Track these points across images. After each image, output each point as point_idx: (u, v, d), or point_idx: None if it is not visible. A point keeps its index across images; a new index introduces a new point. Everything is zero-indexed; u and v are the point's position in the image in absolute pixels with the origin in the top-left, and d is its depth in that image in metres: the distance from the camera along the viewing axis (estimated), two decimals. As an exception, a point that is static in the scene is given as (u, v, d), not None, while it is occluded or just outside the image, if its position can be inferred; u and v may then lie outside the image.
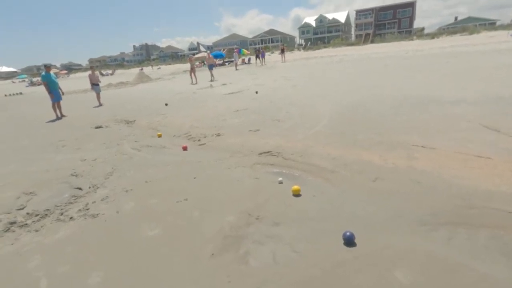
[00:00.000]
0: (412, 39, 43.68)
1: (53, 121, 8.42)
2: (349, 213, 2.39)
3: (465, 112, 4.85)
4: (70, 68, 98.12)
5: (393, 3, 65.62)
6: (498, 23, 52.83)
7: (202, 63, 40.56)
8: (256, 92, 6.02)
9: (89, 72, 11.53)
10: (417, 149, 3.53)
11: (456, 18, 64.67)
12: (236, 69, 24.25)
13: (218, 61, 37.12)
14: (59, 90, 8.78)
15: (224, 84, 13.59)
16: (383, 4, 66.08)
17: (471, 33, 38.72)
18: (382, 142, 3.90)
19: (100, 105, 10.90)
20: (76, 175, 3.85)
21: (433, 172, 2.91)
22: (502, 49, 15.94)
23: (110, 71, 50.75)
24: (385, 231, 2.11)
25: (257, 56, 27.44)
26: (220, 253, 2.05)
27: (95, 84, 11.14)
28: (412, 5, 63.54)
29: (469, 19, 59.46)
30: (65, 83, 32.58)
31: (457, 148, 3.42)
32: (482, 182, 2.61)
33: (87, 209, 2.86)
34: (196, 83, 14.95)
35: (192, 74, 15.93)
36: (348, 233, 1.99)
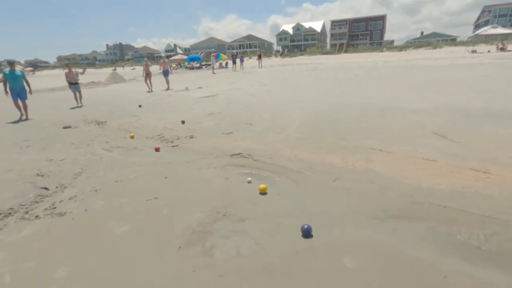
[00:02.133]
0: (382, 51, 46.21)
1: (15, 121, 7.89)
2: (310, 209, 2.60)
3: (421, 120, 5.33)
4: (36, 65, 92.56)
5: (366, 16, 69.15)
6: (458, 39, 57.42)
7: (179, 65, 40.14)
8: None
9: (65, 70, 10.59)
10: (375, 153, 3.86)
11: (422, 33, 69.29)
12: (213, 73, 24.28)
13: (195, 64, 36.96)
14: (25, 88, 8.09)
15: (200, 88, 13.62)
16: (357, 16, 69.35)
17: (435, 47, 41.74)
18: (345, 146, 4.20)
19: (81, 105, 10.12)
20: (42, 175, 3.76)
21: (387, 173, 3.21)
22: (459, 64, 17.40)
23: (80, 70, 48.43)
24: (340, 225, 2.34)
25: (233, 61, 27.63)
26: (187, 247, 2.17)
27: (73, 83, 10.19)
28: (382, 19, 67.35)
29: (434, 35, 63.98)
30: (31, 81, 30.61)
31: (410, 152, 3.78)
32: (426, 182, 2.95)
33: (54, 208, 2.84)
34: (151, 91, 13.51)
35: (148, 80, 14.19)
36: (305, 226, 2.19)
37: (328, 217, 2.45)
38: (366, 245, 2.06)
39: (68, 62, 12.26)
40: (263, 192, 2.92)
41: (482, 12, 64.10)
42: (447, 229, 2.21)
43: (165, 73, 15.07)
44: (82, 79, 25.26)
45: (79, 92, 10.33)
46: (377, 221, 2.36)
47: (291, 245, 2.11)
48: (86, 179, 3.57)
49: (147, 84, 14.12)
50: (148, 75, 14.09)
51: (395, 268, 1.83)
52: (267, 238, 2.21)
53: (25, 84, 8.12)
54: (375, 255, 1.96)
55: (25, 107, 8.17)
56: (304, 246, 2.09)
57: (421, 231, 2.21)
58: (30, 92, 8.30)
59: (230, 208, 2.69)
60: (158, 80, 17.40)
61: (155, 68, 25.98)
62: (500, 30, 30.71)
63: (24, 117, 8.15)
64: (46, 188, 3.34)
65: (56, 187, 3.35)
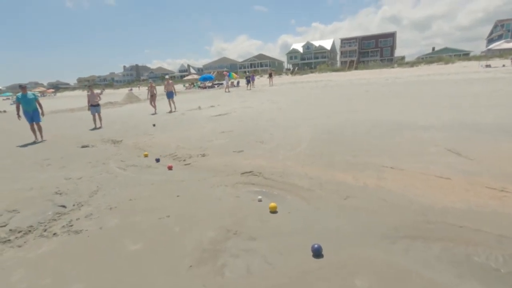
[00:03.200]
0: (393, 67, 46.16)
1: (32, 143, 7.93)
2: (320, 228, 2.58)
3: (433, 136, 5.26)
4: (58, 87, 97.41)
5: (375, 33, 69.83)
6: (471, 54, 56.76)
7: (192, 85, 41.34)
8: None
9: (88, 92, 10.61)
10: (387, 170, 3.82)
11: (433, 49, 68.97)
12: (226, 91, 24.90)
13: (207, 83, 37.99)
14: (38, 111, 8.20)
15: (212, 106, 13.93)
16: (365, 33, 70.24)
17: (447, 62, 41.39)
18: (356, 164, 4.18)
19: (99, 127, 10.15)
20: (60, 193, 3.91)
21: (398, 191, 3.17)
22: (472, 79, 17.16)
23: (99, 91, 50.50)
24: (351, 244, 2.31)
25: (247, 81, 28.26)
26: (198, 265, 2.19)
27: (94, 106, 10.32)
28: (392, 36, 67.74)
29: (446, 50, 63.61)
30: (52, 102, 32.24)
31: (422, 170, 3.73)
32: (440, 200, 2.89)
33: (71, 226, 2.93)
34: (155, 113, 13.15)
35: (153, 102, 13.85)
36: (316, 246, 2.18)
37: (339, 236, 2.43)
38: (378, 266, 2.03)
39: (90, 84, 12.21)
40: (273, 211, 2.93)
41: (495, 26, 63.58)
42: (464, 250, 2.15)
43: (169, 95, 14.03)
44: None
45: (99, 114, 10.45)
46: (389, 241, 2.32)
47: (301, 265, 2.10)
48: (101, 197, 3.68)
49: (152, 106, 13.89)
50: (153, 97, 13.83)
51: (409, 290, 1.79)
52: (277, 257, 2.21)
53: (38, 106, 8.26)
54: (388, 276, 1.92)
55: (40, 128, 8.36)
56: (314, 266, 2.07)
57: (436, 252, 2.15)
58: (43, 114, 8.40)
59: (240, 227, 2.71)
60: (164, 102, 16.38)
61: (161, 89, 26.63)
62: (514, 44, 30.29)
63: (39, 139, 8.32)
64: (63, 206, 3.46)
65: (73, 205, 3.47)
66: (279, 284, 1.91)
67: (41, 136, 8.41)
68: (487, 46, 47.18)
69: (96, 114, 10.38)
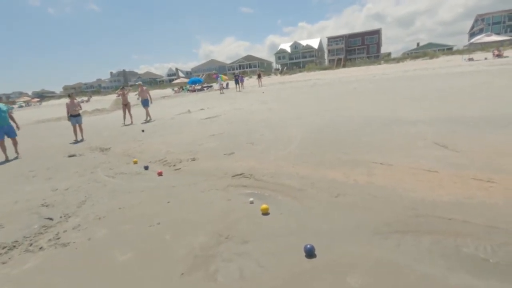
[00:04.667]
0: (380, 63, 46.82)
1: (4, 162, 6.94)
2: (312, 227, 2.58)
3: (421, 131, 5.34)
4: (43, 96, 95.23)
5: (361, 31, 70.83)
6: (454, 48, 58.16)
7: (181, 89, 41.02)
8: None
9: (67, 100, 9.37)
10: (377, 166, 3.85)
11: (418, 44, 70.40)
12: (221, 93, 25.05)
13: (196, 86, 37.76)
14: (11, 124, 7.26)
15: (202, 109, 13.85)
16: (352, 31, 71.21)
17: (431, 57, 42.20)
18: (346, 161, 4.20)
19: (81, 139, 9.05)
20: (47, 205, 3.80)
21: (389, 186, 3.20)
22: (456, 72, 17.55)
23: (85, 98, 49.68)
24: (343, 242, 2.31)
25: (236, 82, 28.26)
26: (190, 272, 2.15)
27: (73, 116, 9.06)
28: (378, 33, 68.84)
29: (430, 45, 65.02)
30: (38, 111, 31.51)
31: (411, 164, 3.77)
32: (429, 194, 2.92)
33: (58, 238, 2.85)
34: (131, 123, 11.57)
35: (127, 111, 11.91)
36: (308, 246, 2.17)
37: (331, 235, 2.43)
38: (371, 262, 2.03)
39: (72, 92, 10.47)
40: (265, 212, 2.91)
41: (476, 20, 65.36)
42: (453, 242, 2.17)
43: (145, 103, 12.26)
44: (88, 107, 25.90)
45: (80, 125, 9.24)
46: (381, 237, 2.33)
47: (294, 266, 2.08)
48: (89, 207, 3.59)
49: (124, 116, 11.92)
50: (126, 105, 11.92)
51: (402, 285, 1.80)
52: (270, 259, 2.19)
53: (10, 120, 7.29)
54: (381, 272, 1.93)
55: (15, 143, 7.44)
56: (307, 266, 2.06)
57: (427, 245, 2.17)
58: (18, 127, 7.48)
59: (232, 230, 2.68)
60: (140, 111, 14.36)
61: (160, 92, 26.37)
62: (495, 38, 31.17)
63: (16, 154, 7.40)
64: (50, 219, 3.36)
65: (60, 217, 3.38)
66: (273, 286, 1.90)
67: (16, 151, 7.46)
68: (469, 40, 48.36)
69: (77, 126, 9.19)
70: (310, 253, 2.16)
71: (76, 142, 8.84)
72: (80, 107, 9.50)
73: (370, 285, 1.82)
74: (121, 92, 12.08)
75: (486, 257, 1.97)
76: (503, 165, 3.40)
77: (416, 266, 1.95)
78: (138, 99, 13.17)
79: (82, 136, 9.31)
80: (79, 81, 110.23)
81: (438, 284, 1.79)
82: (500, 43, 33.75)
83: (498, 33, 43.57)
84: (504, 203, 2.60)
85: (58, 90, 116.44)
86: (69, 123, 9.35)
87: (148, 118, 12.03)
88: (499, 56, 28.04)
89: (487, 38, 30.89)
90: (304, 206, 3.01)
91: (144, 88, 12.55)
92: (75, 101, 9.39)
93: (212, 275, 2.10)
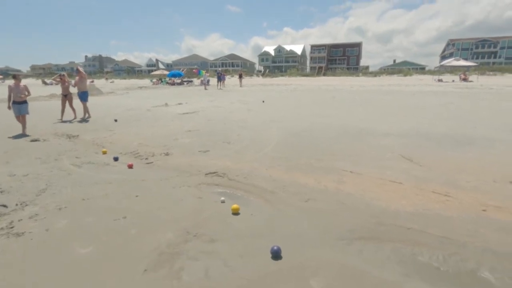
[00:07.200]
0: (358, 75, 48.69)
1: None
2: (281, 230, 2.62)
3: (390, 143, 5.61)
4: (7, 73, 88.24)
5: (343, 42, 73.20)
6: (427, 68, 61.98)
7: (160, 81, 39.89)
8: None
9: (12, 82, 7.26)
10: (347, 174, 3.99)
11: (394, 61, 74.12)
12: (205, 89, 24.76)
13: (176, 80, 36.93)
14: None
15: (179, 104, 13.58)
16: (334, 41, 73.38)
17: (405, 75, 44.67)
18: (319, 167, 4.31)
19: (23, 134, 6.98)
20: (1, 191, 3.53)
21: (356, 194, 3.33)
22: (427, 91, 18.67)
23: (37, 82, 46.25)
24: (310, 246, 2.37)
25: (218, 79, 27.95)
26: (154, 269, 2.10)
27: (16, 102, 7.06)
28: (358, 46, 71.52)
29: (405, 63, 68.73)
30: (0, 90, 29.10)
31: (378, 174, 3.95)
32: (392, 203, 3.08)
33: (11, 228, 2.66)
34: (75, 118, 9.39)
35: (68, 104, 9.34)
36: (275, 248, 2.20)
37: (299, 238, 2.48)
38: (334, 267, 2.10)
39: (18, 73, 8.44)
40: (235, 212, 2.91)
41: (447, 44, 70.03)
42: (410, 250, 2.30)
43: (83, 96, 9.54)
44: (56, 90, 24.31)
45: (24, 117, 7.23)
46: (345, 242, 2.42)
47: (261, 267, 2.10)
48: (50, 196, 3.39)
49: (63, 110, 9.30)
50: (67, 96, 9.31)
51: (360, 290, 1.87)
52: (236, 260, 2.19)
53: None
54: (343, 276, 2.00)
55: None
56: (273, 268, 2.09)
57: (387, 252, 2.28)
58: None
59: (201, 228, 2.65)
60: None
61: (138, 82, 25.43)
62: (462, 63, 33.57)
63: None
64: (4, 206, 3.13)
65: (16, 205, 3.15)
66: (237, 287, 1.90)
67: None
68: (440, 62, 51.71)
69: (20, 117, 7.19)
70: (276, 255, 2.19)
71: (18, 136, 6.82)
72: (29, 92, 7.43)
73: (332, 288, 1.88)
74: (60, 79, 9.36)
75: (438, 266, 2.11)
76: (459, 180, 3.66)
77: (375, 272, 2.04)
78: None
79: (24, 130, 7.17)
80: (49, 62, 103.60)
81: (394, 289, 1.89)
82: (467, 68, 36.37)
83: (465, 59, 46.97)
84: (457, 216, 2.80)
85: (25, 69, 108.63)
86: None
87: (87, 116, 9.63)
88: (465, 80, 30.21)
89: (456, 62, 33.18)
90: (275, 208, 3.05)
91: (84, 74, 9.62)
92: (22, 85, 7.34)
93: (176, 273, 2.06)
